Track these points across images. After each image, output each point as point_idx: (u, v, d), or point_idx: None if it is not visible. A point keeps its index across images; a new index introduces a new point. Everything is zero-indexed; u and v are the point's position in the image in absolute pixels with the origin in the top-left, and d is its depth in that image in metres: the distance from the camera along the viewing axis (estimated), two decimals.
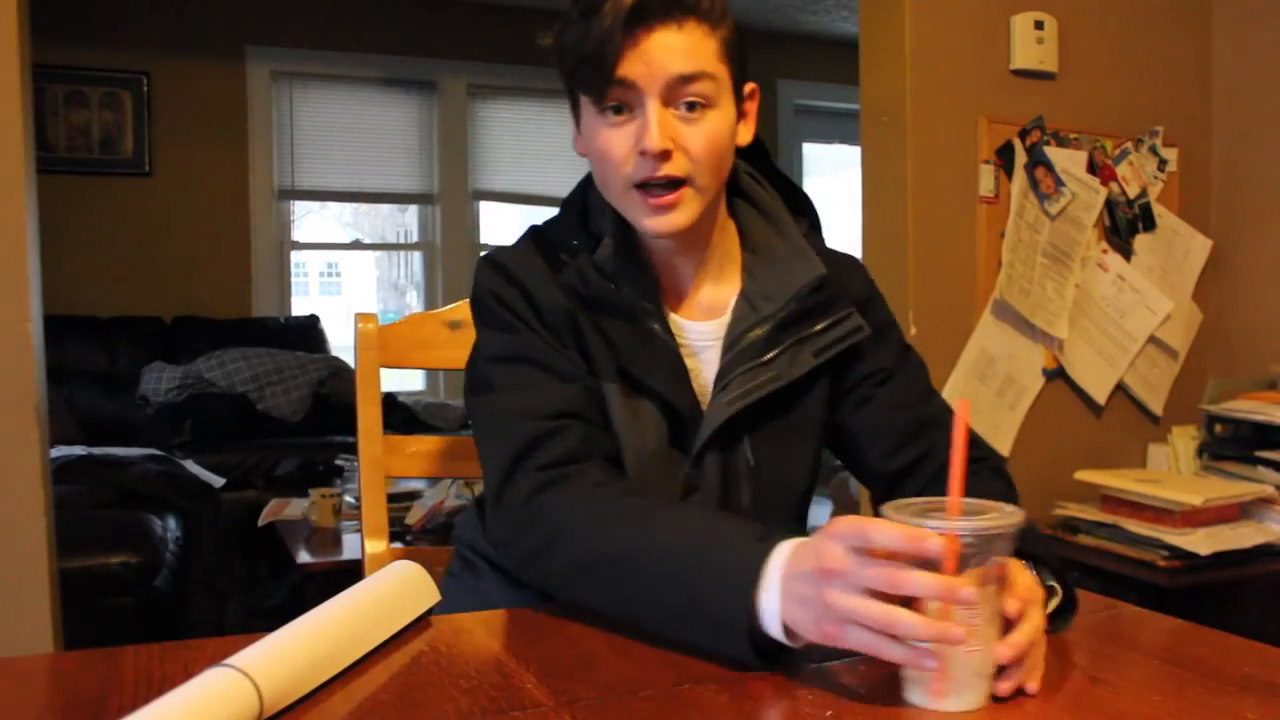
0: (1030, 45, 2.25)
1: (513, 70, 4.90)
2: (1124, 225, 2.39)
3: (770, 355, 1.01)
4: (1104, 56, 2.37)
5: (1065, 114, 2.31)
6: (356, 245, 5.51)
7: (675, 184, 0.95)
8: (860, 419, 1.08)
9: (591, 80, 0.94)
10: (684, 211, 0.96)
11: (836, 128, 5.84)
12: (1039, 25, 2.25)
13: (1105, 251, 2.36)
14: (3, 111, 1.56)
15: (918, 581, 0.67)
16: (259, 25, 4.58)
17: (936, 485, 1.02)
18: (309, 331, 4.46)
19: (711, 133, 0.95)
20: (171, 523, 2.85)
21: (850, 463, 1.13)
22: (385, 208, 5.31)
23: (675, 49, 0.93)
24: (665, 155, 0.93)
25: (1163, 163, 2.44)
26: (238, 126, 4.55)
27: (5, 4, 1.55)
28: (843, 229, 6.34)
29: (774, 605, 0.74)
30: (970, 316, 2.22)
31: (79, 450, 3.06)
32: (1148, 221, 2.42)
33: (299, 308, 4.80)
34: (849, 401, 1.09)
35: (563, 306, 0.99)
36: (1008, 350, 2.25)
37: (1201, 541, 1.98)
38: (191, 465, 3.25)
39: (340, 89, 4.80)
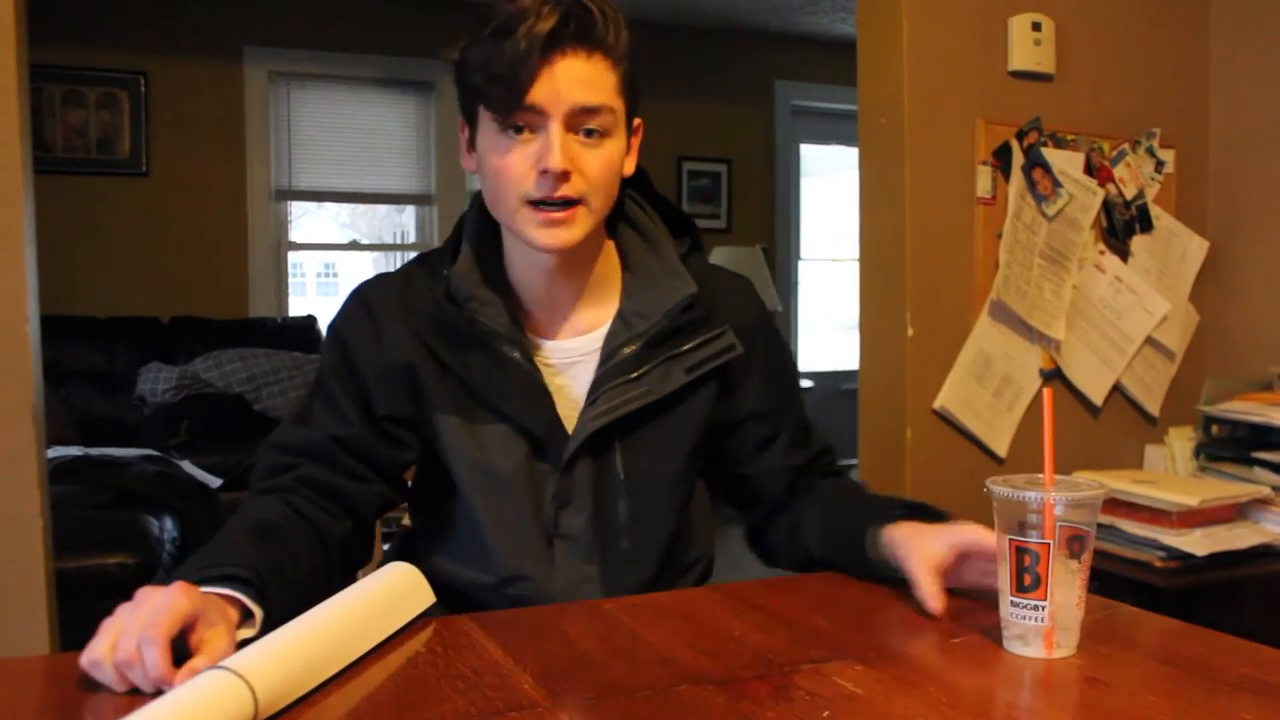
0: (1028, 47, 2.25)
1: None
2: (1121, 226, 2.39)
3: (640, 371, 1.05)
4: (1101, 58, 2.37)
5: (1062, 115, 2.31)
6: (354, 246, 5.50)
7: (570, 203, 0.99)
8: (754, 464, 1.16)
9: (500, 99, 0.97)
10: (575, 229, 1.00)
11: (834, 129, 5.84)
12: (1036, 27, 2.25)
13: (1102, 253, 2.37)
14: (0, 111, 1.56)
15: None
16: (256, 25, 4.58)
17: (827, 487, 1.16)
18: (306, 332, 4.45)
19: (607, 159, 1.01)
20: (168, 523, 2.85)
21: (737, 488, 1.20)
22: (382, 208, 5.31)
23: (581, 79, 0.97)
24: (565, 176, 0.98)
25: (1160, 164, 2.45)
26: (235, 127, 4.54)
27: (3, 4, 1.55)
28: (840, 230, 6.33)
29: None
30: (967, 318, 2.22)
31: (76, 451, 3.06)
32: (1145, 223, 2.42)
33: (296, 308, 4.79)
34: (739, 437, 1.15)
35: (407, 352, 1.06)
36: (1005, 351, 2.25)
37: (1198, 542, 1.98)
38: (188, 466, 3.25)
39: (338, 89, 4.80)
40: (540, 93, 0.96)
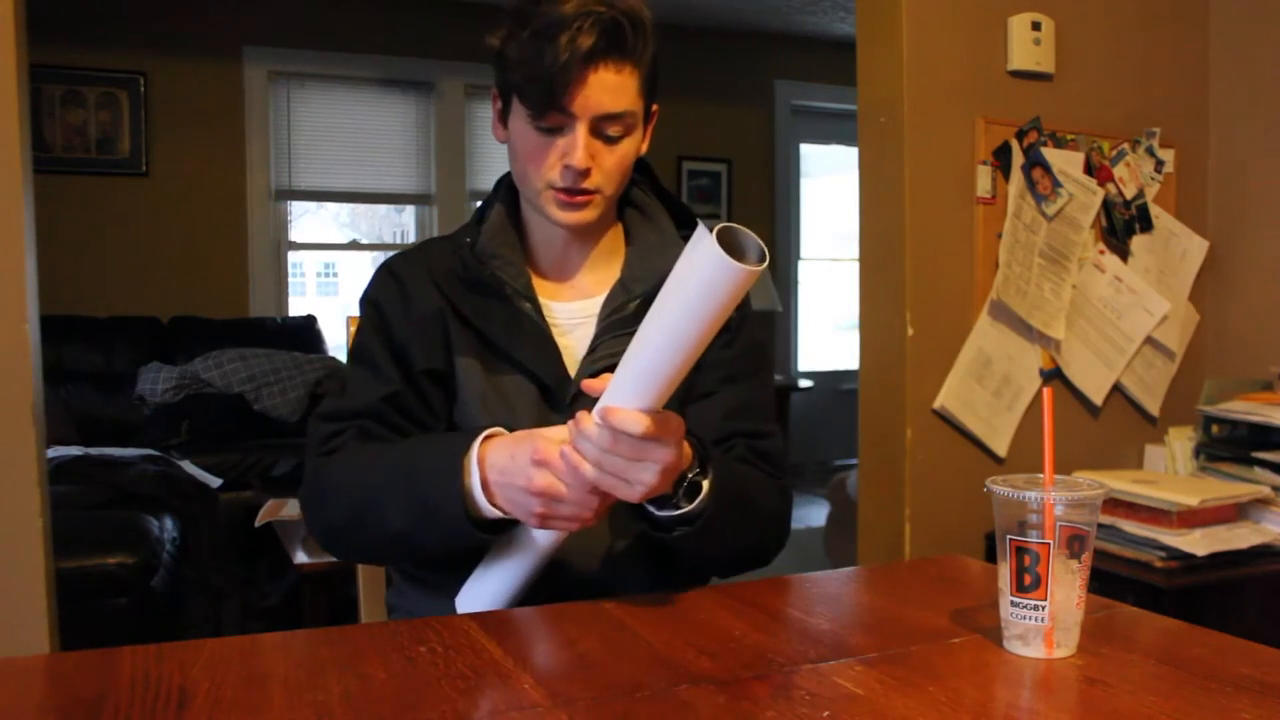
0: (1027, 46, 2.25)
1: None
2: (1121, 226, 2.39)
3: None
4: (1101, 58, 2.37)
5: (1062, 115, 2.31)
6: (354, 246, 5.50)
7: (588, 191, 1.11)
8: (693, 412, 1.15)
9: (536, 102, 1.06)
10: (590, 211, 1.12)
11: (834, 128, 5.85)
12: (1036, 26, 2.25)
13: (1102, 252, 2.37)
14: (0, 112, 1.56)
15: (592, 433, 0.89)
16: (256, 25, 4.58)
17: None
18: (306, 332, 4.46)
19: (624, 155, 1.12)
20: (168, 523, 2.85)
21: None
22: (382, 208, 5.31)
23: (610, 88, 1.06)
24: (586, 172, 1.09)
25: (1160, 164, 2.45)
26: (235, 127, 4.54)
27: (3, 4, 1.55)
28: (840, 230, 6.32)
29: (476, 485, 0.94)
30: (967, 317, 2.22)
31: (76, 451, 3.06)
32: (1145, 222, 2.42)
33: (296, 308, 4.79)
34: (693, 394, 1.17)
35: (435, 303, 1.14)
36: (1005, 351, 2.25)
37: (1198, 542, 1.98)
38: (188, 466, 3.25)
39: (337, 89, 4.80)
40: (572, 100, 1.05)
